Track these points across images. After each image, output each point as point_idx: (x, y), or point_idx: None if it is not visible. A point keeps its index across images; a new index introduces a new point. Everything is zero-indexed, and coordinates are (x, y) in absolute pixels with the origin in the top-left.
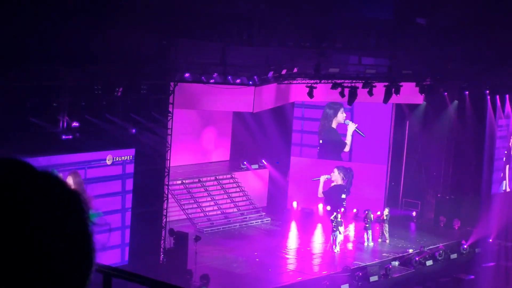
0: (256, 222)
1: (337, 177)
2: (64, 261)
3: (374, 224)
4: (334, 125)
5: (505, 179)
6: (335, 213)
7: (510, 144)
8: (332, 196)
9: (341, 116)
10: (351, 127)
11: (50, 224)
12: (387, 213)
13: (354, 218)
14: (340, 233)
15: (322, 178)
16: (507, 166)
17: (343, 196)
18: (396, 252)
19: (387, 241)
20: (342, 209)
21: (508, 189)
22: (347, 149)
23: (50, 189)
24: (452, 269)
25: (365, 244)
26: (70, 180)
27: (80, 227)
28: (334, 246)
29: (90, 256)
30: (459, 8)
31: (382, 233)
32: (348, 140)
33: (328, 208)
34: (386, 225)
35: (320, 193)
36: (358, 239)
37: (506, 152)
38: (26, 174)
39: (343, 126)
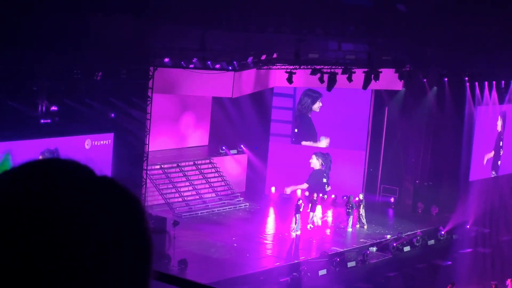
0: (234, 207)
1: (315, 163)
2: (124, 271)
3: (354, 209)
4: (309, 114)
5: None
6: (351, 196)
7: (498, 130)
8: (314, 181)
9: (317, 105)
10: None
11: (111, 232)
12: (361, 198)
13: (332, 203)
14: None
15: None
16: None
17: (324, 180)
18: (373, 238)
19: (365, 226)
20: (325, 196)
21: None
22: None
23: (112, 196)
24: (429, 255)
25: (348, 229)
26: None
27: (141, 235)
28: (347, 226)
29: (149, 265)
30: None
31: (359, 218)
32: None
33: (307, 193)
34: (362, 210)
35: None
36: (336, 225)
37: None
38: (85, 179)
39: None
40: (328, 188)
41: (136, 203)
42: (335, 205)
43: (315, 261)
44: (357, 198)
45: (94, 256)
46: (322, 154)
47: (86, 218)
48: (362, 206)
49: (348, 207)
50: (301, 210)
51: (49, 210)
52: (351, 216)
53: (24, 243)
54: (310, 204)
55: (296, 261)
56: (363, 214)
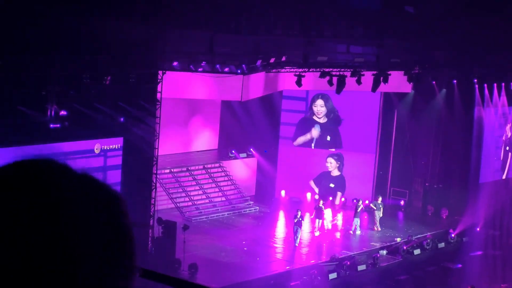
0: (244, 211)
1: (334, 165)
2: (106, 264)
3: (363, 213)
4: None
5: (505, 167)
6: (360, 200)
7: (507, 132)
8: (322, 183)
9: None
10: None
11: (91, 227)
12: (379, 201)
13: (342, 207)
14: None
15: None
16: (509, 154)
17: (331, 185)
18: (384, 241)
19: (378, 229)
20: (330, 198)
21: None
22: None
23: (91, 191)
24: (439, 258)
25: (357, 232)
26: None
27: (121, 229)
28: (352, 231)
29: (131, 258)
30: None
31: (374, 221)
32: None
33: (316, 197)
34: (379, 212)
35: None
36: (346, 228)
37: (505, 140)
38: (65, 176)
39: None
40: (339, 195)
41: (116, 198)
42: (345, 209)
43: (325, 265)
44: (366, 201)
45: (75, 251)
46: (335, 154)
47: (68, 214)
48: (381, 209)
49: (357, 210)
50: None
51: (32, 208)
52: (358, 219)
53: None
54: (314, 211)
55: (306, 265)
56: (378, 218)
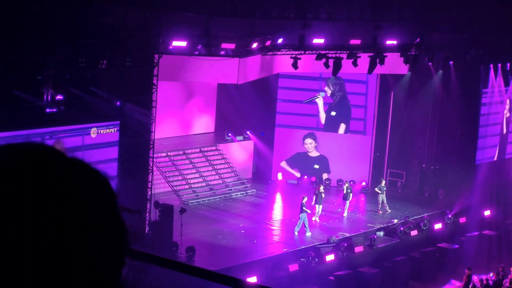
0: (241, 194)
1: (313, 146)
2: (97, 247)
3: (359, 195)
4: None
5: (496, 148)
6: (347, 182)
7: (505, 113)
8: (301, 165)
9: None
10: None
11: (81, 210)
12: (383, 185)
13: (338, 189)
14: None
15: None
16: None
17: (316, 166)
18: (381, 223)
19: (388, 211)
20: (313, 178)
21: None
22: (323, 121)
23: (81, 175)
24: (436, 239)
25: (344, 214)
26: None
27: (112, 213)
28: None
29: (123, 241)
30: None
31: (382, 204)
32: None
33: (313, 179)
34: (382, 195)
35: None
36: (333, 211)
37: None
38: (54, 159)
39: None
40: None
41: (106, 181)
42: (341, 191)
43: (322, 247)
44: (363, 183)
45: (65, 233)
46: (313, 134)
47: (58, 197)
48: (385, 192)
49: (344, 192)
50: (305, 208)
51: (22, 192)
52: (348, 202)
53: None
54: (314, 197)
55: (304, 247)
56: (385, 201)
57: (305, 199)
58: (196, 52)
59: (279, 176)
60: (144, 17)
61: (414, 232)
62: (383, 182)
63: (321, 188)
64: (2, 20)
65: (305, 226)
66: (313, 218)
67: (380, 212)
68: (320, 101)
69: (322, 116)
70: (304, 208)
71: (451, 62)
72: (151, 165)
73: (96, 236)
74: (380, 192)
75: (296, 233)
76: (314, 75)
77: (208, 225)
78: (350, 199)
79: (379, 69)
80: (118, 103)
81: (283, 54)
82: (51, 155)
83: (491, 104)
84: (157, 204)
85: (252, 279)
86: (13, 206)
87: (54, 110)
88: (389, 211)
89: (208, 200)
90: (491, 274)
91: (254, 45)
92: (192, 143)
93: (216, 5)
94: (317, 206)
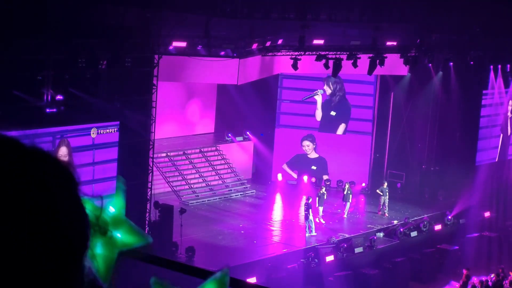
0: (241, 194)
1: (311, 147)
2: (58, 237)
3: (359, 196)
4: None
5: (497, 149)
6: (347, 183)
7: (509, 114)
8: (300, 166)
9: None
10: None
11: (42, 201)
12: (385, 187)
13: (337, 190)
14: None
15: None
16: (500, 136)
17: (314, 167)
18: (381, 224)
19: (386, 215)
20: (313, 179)
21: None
22: (318, 118)
23: (41, 165)
24: (436, 240)
25: (344, 216)
26: (63, 149)
27: (73, 202)
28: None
29: (84, 231)
30: None
31: (383, 205)
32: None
33: (313, 179)
34: (385, 197)
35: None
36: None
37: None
38: (13, 150)
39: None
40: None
41: (65, 169)
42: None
43: (322, 247)
44: (363, 184)
45: (27, 226)
46: (311, 136)
47: (19, 188)
48: (387, 194)
49: (344, 193)
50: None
51: None
52: (348, 203)
53: None
54: (317, 198)
55: (303, 248)
56: (387, 203)
57: (311, 200)
58: (196, 53)
59: (279, 176)
60: (144, 17)
61: (414, 233)
62: (385, 184)
63: (323, 189)
64: (1, 20)
65: (310, 227)
66: (316, 219)
67: (380, 213)
68: (319, 98)
69: (319, 114)
70: (310, 210)
71: (451, 64)
72: (151, 165)
73: (52, 223)
74: (382, 194)
75: (309, 234)
76: (318, 76)
77: (208, 226)
78: (350, 200)
79: (379, 70)
80: (118, 103)
81: (283, 55)
82: (5, 144)
83: (491, 106)
84: (157, 204)
85: (252, 280)
86: None
87: (54, 110)
88: (387, 215)
89: (208, 200)
90: (492, 275)
91: (254, 45)
92: (192, 143)
93: (216, 6)
94: (320, 208)
